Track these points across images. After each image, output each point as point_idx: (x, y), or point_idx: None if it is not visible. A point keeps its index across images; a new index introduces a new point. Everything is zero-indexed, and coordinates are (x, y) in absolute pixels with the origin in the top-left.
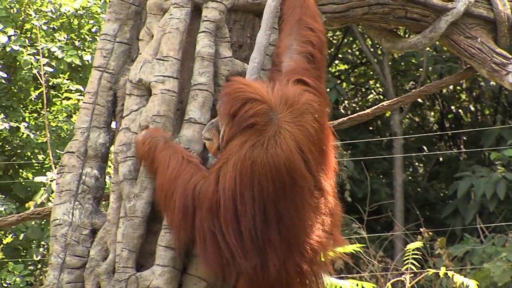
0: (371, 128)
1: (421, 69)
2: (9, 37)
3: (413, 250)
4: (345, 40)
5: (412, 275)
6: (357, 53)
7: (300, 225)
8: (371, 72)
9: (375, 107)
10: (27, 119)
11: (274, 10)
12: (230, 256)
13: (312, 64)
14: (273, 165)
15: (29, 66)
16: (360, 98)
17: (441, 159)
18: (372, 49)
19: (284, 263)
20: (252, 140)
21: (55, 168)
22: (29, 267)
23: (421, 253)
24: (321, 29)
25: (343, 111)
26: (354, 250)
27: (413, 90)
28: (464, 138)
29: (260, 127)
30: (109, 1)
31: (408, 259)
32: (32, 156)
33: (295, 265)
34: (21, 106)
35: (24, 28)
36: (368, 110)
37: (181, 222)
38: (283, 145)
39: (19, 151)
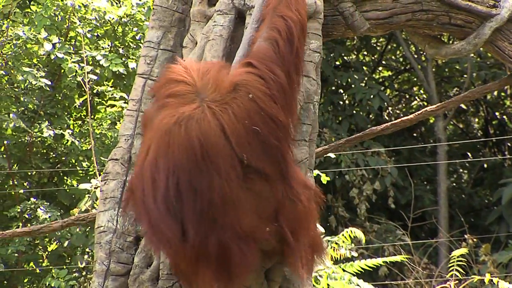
0: (415, 134)
1: (465, 75)
2: (53, 44)
3: (457, 257)
4: (389, 47)
5: (457, 282)
6: (401, 59)
7: (221, 203)
8: (415, 79)
9: (419, 112)
10: (71, 127)
11: (262, 4)
12: (154, 223)
13: (275, 50)
14: (186, 137)
15: (74, 74)
16: (404, 105)
17: (485, 165)
18: (415, 56)
19: (205, 237)
20: (171, 115)
21: (99, 175)
22: (74, 274)
23: (465, 260)
24: (293, 17)
25: (387, 118)
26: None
27: (457, 96)
28: (509, 144)
29: (180, 105)
30: (153, 9)
31: (452, 266)
32: (76, 163)
33: (217, 242)
34: (66, 113)
35: (69, 35)
36: (411, 116)
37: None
38: (201, 121)
39: (63, 158)
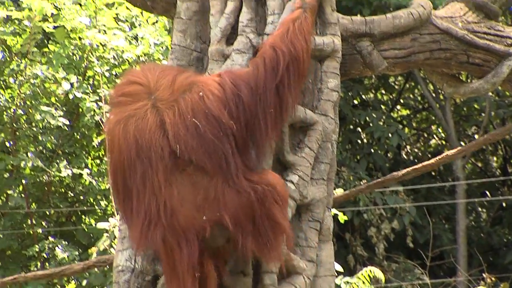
0: (433, 173)
1: (483, 114)
2: (71, 84)
3: None
4: (407, 85)
5: None
6: (419, 98)
7: (155, 196)
8: (433, 117)
9: (440, 157)
10: (89, 166)
11: None
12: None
13: (252, 73)
14: (123, 135)
15: (91, 113)
16: (422, 144)
17: (504, 204)
18: (434, 94)
19: (148, 232)
20: (116, 115)
21: (117, 214)
22: None
23: None
24: (284, 49)
25: (405, 157)
26: None
27: (477, 138)
28: None
29: (128, 104)
30: (171, 48)
31: None
32: (94, 203)
33: (161, 238)
34: (84, 152)
35: (87, 75)
36: (432, 160)
37: None
38: (140, 118)
39: (81, 197)
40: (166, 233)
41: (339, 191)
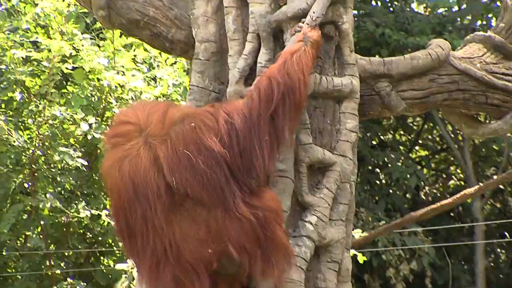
0: (452, 214)
1: (502, 155)
2: (90, 125)
3: None
4: (426, 126)
5: None
6: (437, 139)
7: (158, 235)
8: (452, 158)
9: (458, 195)
10: (108, 207)
11: None
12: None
13: (246, 103)
14: (120, 177)
15: None
16: (441, 185)
17: None
18: (452, 135)
19: (157, 273)
20: (111, 157)
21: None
22: None
23: None
24: (278, 79)
25: (423, 197)
26: None
27: (495, 177)
28: None
29: (121, 145)
30: (190, 89)
31: None
32: (113, 244)
33: (172, 277)
34: (102, 193)
35: (105, 115)
36: (450, 200)
37: None
38: (134, 158)
39: (100, 238)
40: (176, 272)
41: (357, 232)
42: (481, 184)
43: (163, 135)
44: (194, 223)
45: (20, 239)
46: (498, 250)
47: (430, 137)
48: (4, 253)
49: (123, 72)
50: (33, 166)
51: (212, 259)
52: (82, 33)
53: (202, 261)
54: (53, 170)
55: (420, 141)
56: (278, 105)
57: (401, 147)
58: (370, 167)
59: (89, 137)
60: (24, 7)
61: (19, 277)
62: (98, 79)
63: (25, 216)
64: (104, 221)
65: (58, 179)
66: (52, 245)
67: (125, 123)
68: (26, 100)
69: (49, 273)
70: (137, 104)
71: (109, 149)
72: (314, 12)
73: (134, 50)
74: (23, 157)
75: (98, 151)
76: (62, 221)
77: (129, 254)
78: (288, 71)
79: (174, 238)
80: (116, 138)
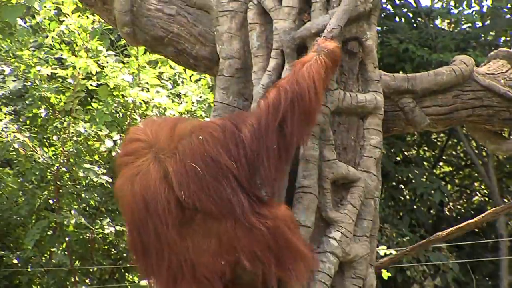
0: (476, 230)
1: None
2: (114, 141)
3: None
4: (450, 142)
5: None
6: (461, 155)
7: (171, 250)
8: (476, 174)
9: (483, 215)
10: None
11: None
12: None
13: (254, 113)
14: (131, 194)
15: None
16: (465, 200)
17: None
18: (476, 151)
19: (174, 285)
20: (123, 176)
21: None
22: None
23: None
24: (286, 87)
25: (448, 213)
26: None
27: None
28: None
29: (133, 162)
30: (214, 105)
31: None
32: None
33: None
34: None
35: None
36: (475, 219)
37: None
38: (143, 174)
39: (124, 254)
40: (193, 286)
41: (382, 249)
42: (505, 200)
43: (172, 149)
44: (206, 236)
45: (45, 255)
46: None
47: (454, 153)
48: (29, 269)
49: (148, 88)
50: (58, 182)
51: (226, 270)
52: (106, 50)
53: (216, 273)
54: (77, 186)
55: (444, 157)
56: (286, 112)
57: (425, 163)
58: (394, 183)
59: (113, 153)
60: (49, 24)
61: None
62: (123, 96)
63: (50, 232)
64: None
65: (83, 195)
66: (77, 261)
67: (135, 140)
68: (51, 116)
69: None
70: (146, 121)
71: (121, 167)
72: (330, 24)
73: (159, 67)
74: (48, 173)
75: None
76: (87, 237)
77: (144, 272)
78: (297, 79)
79: (188, 253)
80: (127, 156)
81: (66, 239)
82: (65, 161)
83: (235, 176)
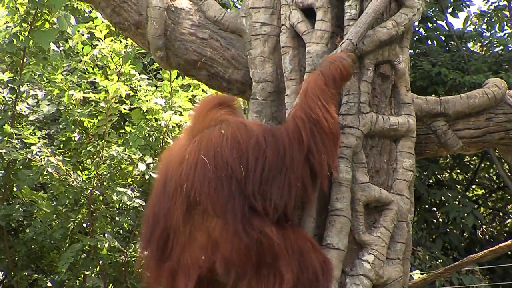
0: (509, 253)
1: None
2: (147, 164)
3: None
4: (482, 165)
5: None
6: (494, 177)
7: (172, 231)
8: (509, 197)
9: None
10: None
11: None
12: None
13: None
14: (160, 169)
15: None
16: (498, 223)
17: None
18: (509, 174)
19: (162, 262)
20: (169, 148)
21: None
22: None
23: None
24: (303, 117)
25: (481, 236)
26: None
27: None
28: None
29: (182, 137)
30: None
31: None
32: None
33: (169, 268)
34: None
35: None
36: (509, 242)
37: None
38: (172, 153)
39: None
40: (175, 267)
41: (416, 273)
42: None
43: (196, 135)
44: (199, 229)
45: (79, 278)
46: None
47: (486, 175)
48: None
49: (181, 112)
50: (91, 206)
51: (203, 266)
52: (139, 74)
53: (198, 265)
54: (111, 210)
55: (477, 180)
56: (310, 143)
57: (458, 186)
58: (427, 206)
59: (146, 176)
60: (82, 48)
61: None
62: (156, 119)
63: (83, 256)
64: None
65: (116, 218)
66: (110, 285)
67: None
68: (85, 140)
69: None
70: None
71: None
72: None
73: (192, 91)
74: (81, 197)
75: None
76: (121, 261)
77: (145, 233)
78: (310, 105)
79: (183, 239)
80: (183, 133)
81: (100, 262)
82: (99, 184)
83: (239, 181)
